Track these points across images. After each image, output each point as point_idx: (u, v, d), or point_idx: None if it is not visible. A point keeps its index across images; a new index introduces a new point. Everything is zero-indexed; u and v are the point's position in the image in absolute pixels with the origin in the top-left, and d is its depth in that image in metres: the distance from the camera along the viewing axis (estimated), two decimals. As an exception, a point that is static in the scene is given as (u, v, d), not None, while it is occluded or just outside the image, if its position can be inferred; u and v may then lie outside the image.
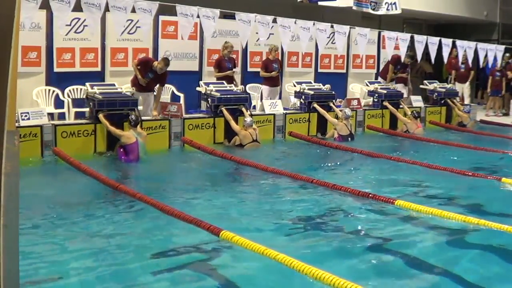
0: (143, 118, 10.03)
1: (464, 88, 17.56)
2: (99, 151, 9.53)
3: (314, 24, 12.87)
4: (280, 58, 13.79)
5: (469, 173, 8.65)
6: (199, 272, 4.86)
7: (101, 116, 9.37)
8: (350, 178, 8.76)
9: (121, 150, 9.23)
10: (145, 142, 9.42)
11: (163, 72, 10.62)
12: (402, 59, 14.51)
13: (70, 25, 10.95)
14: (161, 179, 8.57)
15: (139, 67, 10.60)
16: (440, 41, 15.02)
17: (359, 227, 6.18)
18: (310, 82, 13.42)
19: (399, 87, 14.75)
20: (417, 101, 14.80)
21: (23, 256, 4.18)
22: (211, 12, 11.08)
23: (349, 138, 11.89)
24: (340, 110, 12.32)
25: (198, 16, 10.97)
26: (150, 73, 10.59)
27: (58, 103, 10.82)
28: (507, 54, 17.77)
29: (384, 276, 4.82)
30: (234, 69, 12.21)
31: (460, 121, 14.64)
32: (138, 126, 9.43)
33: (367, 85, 14.35)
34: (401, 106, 13.83)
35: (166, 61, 10.55)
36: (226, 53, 12.01)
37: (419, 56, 15.38)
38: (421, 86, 16.20)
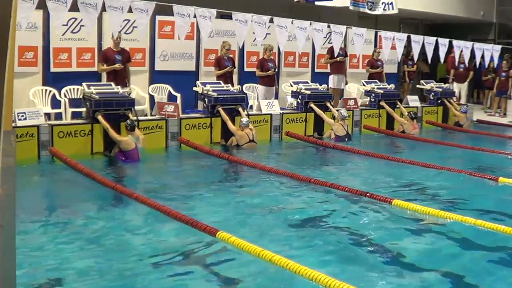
0: (140, 118, 10.03)
1: (462, 88, 17.57)
2: (96, 152, 9.52)
3: (310, 24, 12.87)
4: (276, 58, 13.80)
5: (466, 173, 8.66)
6: (194, 273, 4.86)
7: (100, 117, 9.35)
8: (347, 177, 8.76)
9: (121, 155, 9.24)
10: (144, 145, 9.42)
11: (123, 48, 10.93)
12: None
13: (66, 25, 10.95)
14: (158, 179, 8.56)
15: (104, 65, 10.70)
16: (436, 41, 15.05)
17: (356, 227, 6.18)
18: (307, 82, 13.43)
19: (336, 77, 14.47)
20: (414, 100, 14.82)
21: (19, 257, 4.18)
22: (207, 12, 11.08)
23: (346, 139, 11.90)
24: (337, 110, 12.33)
25: (194, 16, 10.96)
26: (116, 56, 10.71)
27: (55, 103, 10.80)
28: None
29: (381, 277, 4.82)
30: (233, 67, 12.23)
31: (457, 121, 14.67)
32: (136, 129, 9.42)
33: (363, 85, 14.35)
34: (397, 106, 13.85)
35: (116, 35, 10.72)
36: (224, 52, 12.02)
37: (415, 56, 15.43)
38: (417, 86, 16.23)
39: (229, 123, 10.70)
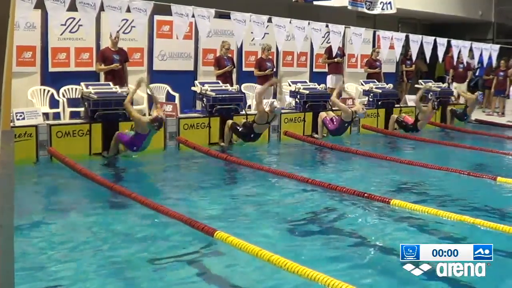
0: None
1: (461, 88, 17.55)
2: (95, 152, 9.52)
3: (309, 23, 12.88)
4: (275, 57, 13.80)
5: (465, 172, 8.67)
6: (192, 273, 4.86)
7: (127, 103, 9.18)
8: (345, 177, 8.76)
9: (126, 137, 9.21)
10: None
11: (121, 48, 10.89)
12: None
13: (65, 24, 10.93)
14: (156, 179, 8.56)
15: (102, 64, 10.70)
16: (435, 41, 15.06)
17: (354, 227, 6.19)
18: (305, 82, 13.43)
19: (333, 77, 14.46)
20: (412, 100, 14.80)
21: (18, 257, 4.17)
22: (206, 12, 11.09)
23: (346, 124, 11.93)
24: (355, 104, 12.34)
25: (193, 16, 10.97)
26: (114, 56, 10.71)
27: (53, 103, 10.79)
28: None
29: (380, 277, 4.82)
30: (232, 66, 12.23)
31: (453, 110, 14.75)
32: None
33: (362, 84, 14.36)
34: (397, 106, 13.86)
35: (114, 35, 10.68)
36: (224, 52, 12.02)
37: (414, 56, 15.45)
38: (416, 85, 16.24)
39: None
